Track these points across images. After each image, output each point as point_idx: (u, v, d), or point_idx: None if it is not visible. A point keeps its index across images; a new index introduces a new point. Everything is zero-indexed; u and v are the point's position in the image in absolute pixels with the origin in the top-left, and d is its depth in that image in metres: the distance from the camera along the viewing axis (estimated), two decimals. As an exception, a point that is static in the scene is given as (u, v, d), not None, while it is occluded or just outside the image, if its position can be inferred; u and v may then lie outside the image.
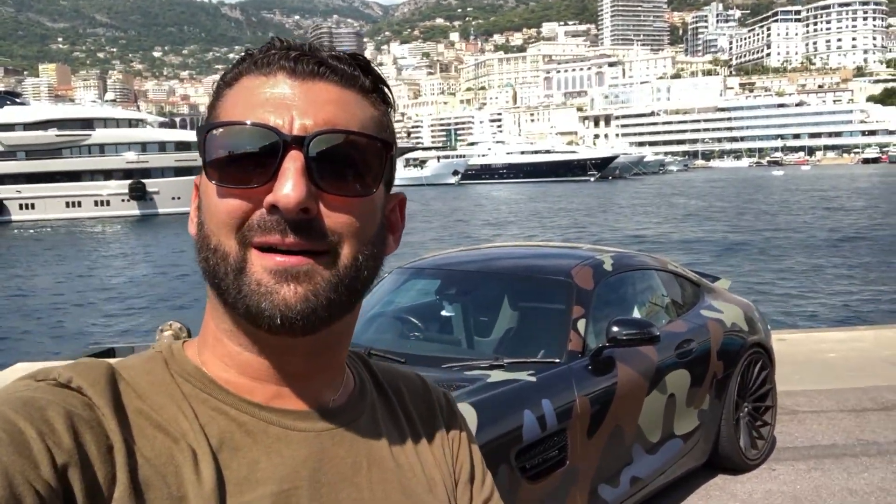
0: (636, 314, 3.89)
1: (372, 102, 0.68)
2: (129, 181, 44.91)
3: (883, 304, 13.31)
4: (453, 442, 0.83)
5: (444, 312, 3.96)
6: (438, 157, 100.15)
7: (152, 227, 38.19)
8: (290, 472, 0.65)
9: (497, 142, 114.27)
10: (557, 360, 3.18)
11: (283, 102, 0.64)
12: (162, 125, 53.99)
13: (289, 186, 0.61)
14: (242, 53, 0.70)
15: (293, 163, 0.61)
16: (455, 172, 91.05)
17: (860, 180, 68.59)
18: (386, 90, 0.71)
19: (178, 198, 44.01)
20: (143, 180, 44.84)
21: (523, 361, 3.16)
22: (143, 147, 45.48)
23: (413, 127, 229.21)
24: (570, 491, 2.97)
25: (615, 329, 3.21)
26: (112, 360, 0.67)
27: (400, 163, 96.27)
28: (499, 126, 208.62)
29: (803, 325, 10.67)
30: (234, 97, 0.66)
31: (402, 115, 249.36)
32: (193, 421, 0.64)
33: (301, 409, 0.69)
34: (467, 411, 2.56)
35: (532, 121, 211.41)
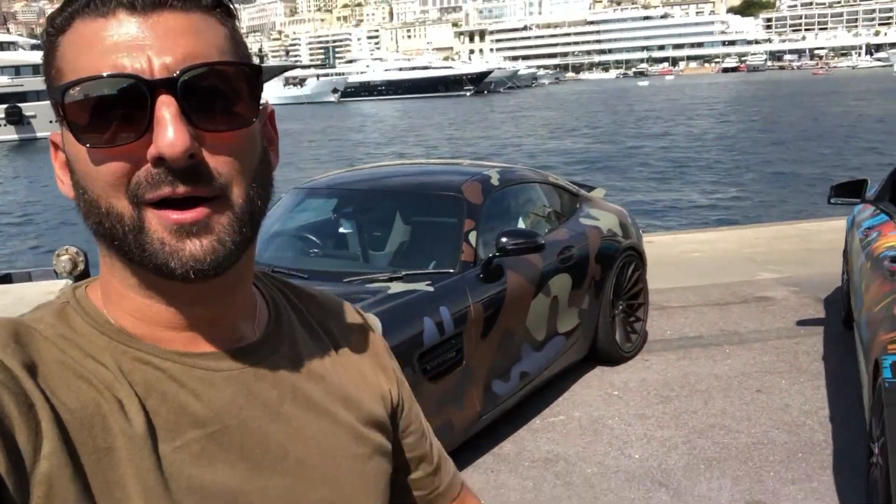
0: (521, 225, 4.09)
1: (219, 20, 0.64)
2: (4, 105, 41.61)
3: (743, 205, 14.46)
4: (385, 368, 0.85)
5: (341, 229, 4.07)
6: (318, 76, 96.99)
7: (31, 152, 35.37)
8: (217, 412, 0.65)
9: (375, 59, 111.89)
10: (452, 271, 3.35)
11: (135, 44, 0.59)
12: (34, 48, 49.36)
13: (170, 134, 0.57)
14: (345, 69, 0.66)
15: (167, 108, 0.58)
16: (335, 90, 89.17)
17: (720, 88, 72.74)
18: (226, 1, 0.66)
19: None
20: (19, 104, 41.73)
21: (420, 273, 3.31)
22: (17, 70, 42.21)
23: (291, 45, 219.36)
24: (466, 387, 3.21)
25: (504, 240, 3.39)
26: (22, 316, 0.65)
27: (279, 82, 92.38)
28: (376, 43, 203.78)
29: (671, 228, 11.45)
30: (76, 46, 0.60)
31: (280, 32, 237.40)
32: (116, 371, 0.62)
33: (221, 350, 0.68)
34: (372, 322, 2.68)
35: (409, 37, 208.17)
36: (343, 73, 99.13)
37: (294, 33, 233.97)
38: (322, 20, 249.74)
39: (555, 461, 3.43)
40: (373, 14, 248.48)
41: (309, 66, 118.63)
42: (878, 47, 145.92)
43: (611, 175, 19.11)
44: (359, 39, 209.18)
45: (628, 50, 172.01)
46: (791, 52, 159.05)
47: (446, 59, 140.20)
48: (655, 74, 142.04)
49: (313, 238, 3.95)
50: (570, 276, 3.98)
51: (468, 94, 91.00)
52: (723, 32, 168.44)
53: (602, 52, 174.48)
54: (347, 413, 0.75)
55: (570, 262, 4.01)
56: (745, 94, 63.29)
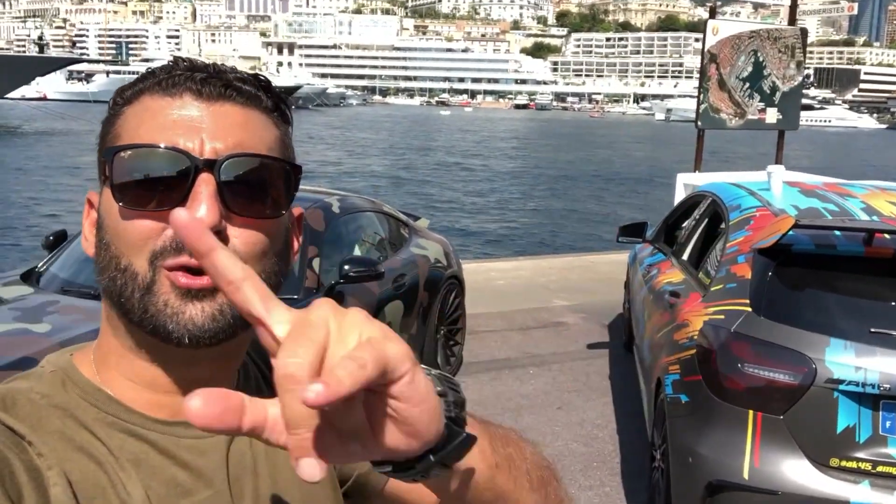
0: (358, 252, 4.32)
1: (274, 122, 0.70)
2: None
3: (537, 236, 15.80)
4: None
5: None
6: (108, 72, 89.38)
7: None
8: (206, 479, 0.67)
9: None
10: (296, 297, 3.48)
11: (192, 125, 0.64)
12: None
13: (202, 210, 0.61)
14: (143, 71, 0.69)
15: (205, 186, 0.62)
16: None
17: (513, 123, 78.09)
18: (285, 108, 0.72)
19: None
20: None
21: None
22: None
23: (77, 36, 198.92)
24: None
25: (347, 267, 3.61)
26: (11, 385, 0.66)
27: (62, 75, 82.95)
28: (177, 44, 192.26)
29: (476, 258, 12.24)
30: (138, 117, 0.65)
31: (65, 20, 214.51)
32: (109, 443, 0.64)
33: None
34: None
35: (213, 41, 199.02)
36: (137, 72, 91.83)
37: (82, 23, 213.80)
38: (115, 12, 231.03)
39: (386, 476, 3.68)
40: (173, 12, 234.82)
41: (98, 62, 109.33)
42: (643, 97, 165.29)
43: (424, 201, 19.86)
44: (157, 38, 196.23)
45: (432, 79, 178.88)
46: (573, 94, 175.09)
47: (252, 68, 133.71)
48: (456, 105, 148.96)
49: None
50: (402, 302, 4.28)
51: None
52: (516, 71, 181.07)
53: (408, 78, 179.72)
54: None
55: (402, 290, 4.31)
56: (536, 131, 68.47)
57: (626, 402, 4.66)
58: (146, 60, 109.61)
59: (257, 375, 0.79)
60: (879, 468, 2.57)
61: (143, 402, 0.67)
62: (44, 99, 74.44)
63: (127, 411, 0.66)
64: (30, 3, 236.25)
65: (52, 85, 79.90)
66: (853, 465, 2.59)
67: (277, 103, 0.71)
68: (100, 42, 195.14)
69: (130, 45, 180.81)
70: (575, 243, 14.43)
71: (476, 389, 4.86)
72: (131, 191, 0.63)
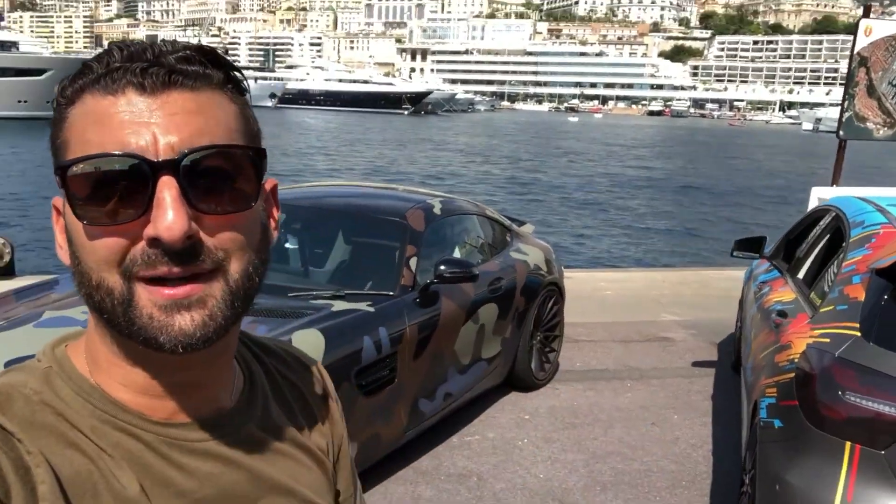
0: (457, 253, 4.40)
1: (229, 97, 0.65)
2: None
3: (653, 248, 15.31)
4: (333, 420, 0.87)
5: (285, 244, 4.17)
6: (256, 79, 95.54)
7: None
8: (198, 482, 0.67)
9: (316, 67, 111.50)
10: (391, 293, 3.60)
11: (142, 122, 0.59)
12: None
13: (169, 217, 0.58)
14: (80, 66, 0.64)
15: (168, 190, 0.58)
16: (272, 96, 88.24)
17: (644, 130, 75.89)
18: (239, 76, 0.67)
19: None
20: None
21: (362, 293, 3.55)
22: None
23: (230, 44, 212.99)
24: (395, 404, 3.47)
25: (442, 268, 3.68)
26: (6, 380, 0.65)
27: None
28: (318, 51, 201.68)
29: (586, 266, 12.04)
30: (83, 120, 0.61)
31: (220, 29, 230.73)
32: (102, 441, 0.63)
33: (201, 419, 0.69)
34: (317, 336, 2.91)
35: (352, 48, 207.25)
36: (282, 79, 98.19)
37: (234, 31, 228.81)
38: (264, 21, 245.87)
39: (468, 476, 3.72)
40: (317, 21, 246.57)
41: (248, 68, 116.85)
42: (791, 105, 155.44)
43: (541, 207, 19.77)
44: (300, 45, 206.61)
45: (562, 84, 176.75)
46: (712, 101, 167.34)
47: (387, 74, 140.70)
48: (585, 111, 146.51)
49: None
50: (497, 305, 4.30)
51: (406, 112, 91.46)
52: (653, 76, 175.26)
53: (537, 83, 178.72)
54: (310, 474, 0.79)
55: (498, 293, 4.33)
56: (667, 139, 66.11)
57: (727, 425, 4.44)
58: (290, 67, 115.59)
59: (264, 386, 0.79)
60: None
61: (138, 404, 0.66)
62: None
63: (122, 411, 0.66)
64: (190, 12, 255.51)
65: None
66: (960, 511, 2.36)
67: (228, 75, 0.66)
68: (250, 49, 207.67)
69: (277, 52, 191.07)
70: (695, 257, 13.85)
71: (569, 398, 4.80)
72: (91, 207, 0.60)
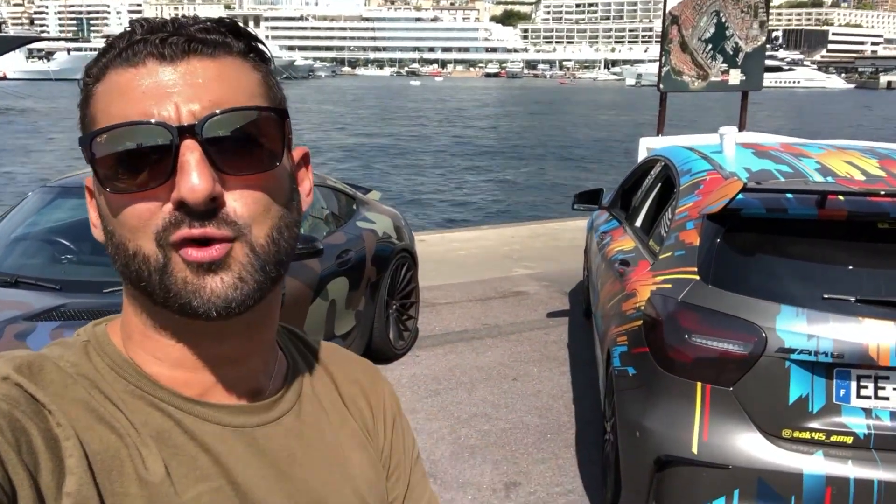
0: (301, 229, 4.12)
1: (252, 65, 0.66)
2: None
3: (503, 204, 15.64)
4: (390, 431, 0.83)
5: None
6: (69, 50, 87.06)
7: None
8: (226, 468, 0.65)
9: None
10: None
11: (163, 91, 0.60)
12: None
13: (193, 178, 0.58)
14: (104, 44, 0.64)
15: (191, 153, 0.59)
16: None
17: (482, 92, 77.44)
18: (262, 47, 0.68)
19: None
20: None
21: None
22: None
23: (36, 13, 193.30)
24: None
25: (282, 244, 3.41)
26: (44, 352, 0.65)
27: (21, 54, 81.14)
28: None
29: (438, 227, 12.07)
30: (108, 95, 0.62)
31: None
32: (134, 417, 0.63)
33: (235, 404, 0.68)
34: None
35: (176, 14, 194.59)
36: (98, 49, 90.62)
37: (40, 0, 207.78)
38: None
39: (332, 460, 3.53)
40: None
41: (58, 39, 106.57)
42: (615, 63, 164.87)
43: (387, 172, 19.59)
44: (118, 13, 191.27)
45: (401, 49, 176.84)
46: (543, 62, 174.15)
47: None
48: (426, 75, 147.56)
49: (65, 243, 3.54)
50: (347, 279, 4.10)
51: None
52: (486, 39, 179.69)
53: (377, 49, 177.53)
54: (352, 478, 0.75)
55: (347, 266, 4.13)
56: (505, 99, 68.08)
57: (584, 372, 4.56)
58: (108, 37, 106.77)
59: (309, 381, 0.77)
60: (833, 438, 2.47)
61: (172, 379, 0.66)
62: (3, 79, 72.44)
63: (154, 386, 0.65)
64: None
65: (12, 64, 77.83)
66: (806, 435, 2.49)
67: (250, 44, 0.67)
68: (60, 19, 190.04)
69: (92, 21, 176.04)
70: (539, 211, 14.31)
71: (430, 364, 4.72)
72: (116, 175, 0.61)
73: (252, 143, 0.63)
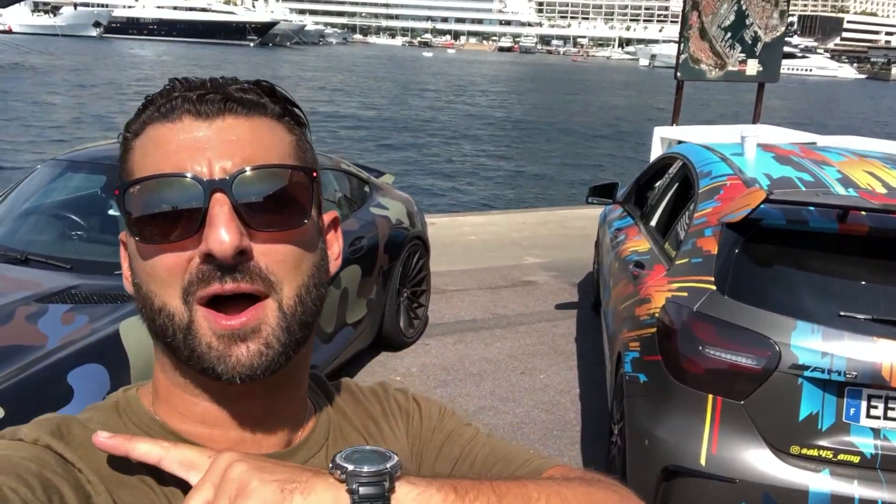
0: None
1: (286, 127, 0.67)
2: None
3: (513, 189, 15.57)
4: (404, 429, 0.82)
5: (111, 211, 3.67)
6: (76, 5, 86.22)
7: None
8: None
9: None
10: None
11: (197, 147, 0.62)
12: None
13: (221, 232, 0.59)
14: (143, 100, 0.67)
15: (220, 207, 0.60)
16: (97, 24, 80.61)
17: (495, 67, 76.72)
18: (297, 111, 0.70)
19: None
20: None
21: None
22: None
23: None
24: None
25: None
26: (76, 416, 0.66)
27: (26, 7, 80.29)
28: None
29: (448, 210, 12.04)
30: (144, 149, 0.64)
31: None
32: (159, 473, 0.63)
33: (264, 454, 0.67)
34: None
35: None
36: (108, 5, 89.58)
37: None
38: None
39: (339, 448, 3.57)
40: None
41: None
42: (629, 41, 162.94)
43: (399, 145, 19.50)
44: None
45: (414, 18, 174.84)
46: (558, 37, 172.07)
47: (227, 2, 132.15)
48: (439, 46, 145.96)
49: (76, 219, 3.47)
50: (359, 266, 4.10)
51: (252, 44, 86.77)
52: (500, 11, 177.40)
53: (389, 16, 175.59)
54: None
55: (360, 253, 4.13)
56: (518, 76, 67.42)
57: (591, 367, 4.58)
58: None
59: (337, 427, 0.76)
60: (840, 456, 2.49)
61: (197, 435, 0.66)
62: (9, 32, 72.00)
63: (180, 441, 0.65)
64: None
65: (17, 17, 77.34)
66: (814, 452, 2.51)
67: (286, 107, 0.69)
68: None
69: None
70: (549, 197, 14.25)
71: (439, 353, 4.75)
72: (147, 225, 0.62)
73: (281, 201, 0.64)
